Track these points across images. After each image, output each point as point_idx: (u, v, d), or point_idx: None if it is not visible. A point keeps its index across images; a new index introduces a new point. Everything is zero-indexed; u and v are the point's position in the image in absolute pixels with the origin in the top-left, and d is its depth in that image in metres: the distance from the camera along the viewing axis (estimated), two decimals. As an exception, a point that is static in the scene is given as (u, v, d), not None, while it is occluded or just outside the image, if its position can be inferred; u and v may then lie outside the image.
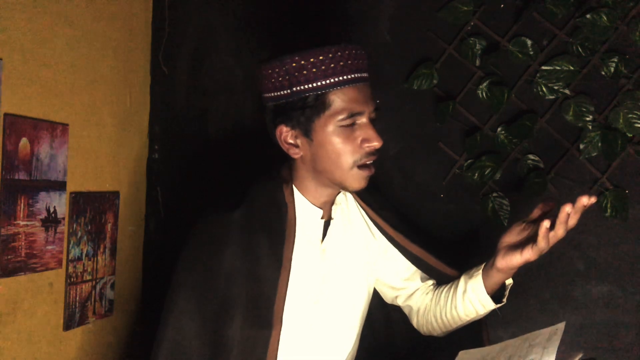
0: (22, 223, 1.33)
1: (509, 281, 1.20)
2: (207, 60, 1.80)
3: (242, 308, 1.16)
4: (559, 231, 1.04)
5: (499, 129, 1.58)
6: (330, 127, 1.14)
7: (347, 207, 1.33)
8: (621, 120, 1.48)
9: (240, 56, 1.77)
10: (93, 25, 1.57)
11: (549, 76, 1.52)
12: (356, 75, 1.15)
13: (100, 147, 1.62)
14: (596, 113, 1.51)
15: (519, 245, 1.12)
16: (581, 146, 1.52)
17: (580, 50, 1.51)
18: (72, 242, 1.50)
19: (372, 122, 1.17)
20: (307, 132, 1.16)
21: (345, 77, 1.13)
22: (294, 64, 1.13)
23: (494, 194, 1.58)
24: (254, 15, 1.77)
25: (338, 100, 1.13)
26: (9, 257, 1.30)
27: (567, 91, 1.52)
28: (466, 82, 1.61)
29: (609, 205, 1.51)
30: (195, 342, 1.16)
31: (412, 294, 1.37)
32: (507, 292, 1.21)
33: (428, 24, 1.63)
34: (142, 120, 1.82)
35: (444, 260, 1.34)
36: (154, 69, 1.84)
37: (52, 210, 1.43)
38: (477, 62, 1.59)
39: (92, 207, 1.58)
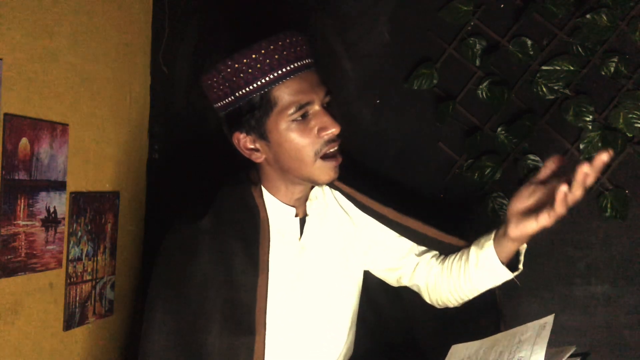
0: (22, 223, 1.33)
1: (523, 246, 1.15)
2: (207, 60, 1.80)
3: (219, 316, 1.13)
4: (577, 192, 0.94)
5: (499, 129, 1.58)
6: (283, 125, 1.10)
7: (324, 201, 1.29)
8: (621, 120, 1.48)
9: (240, 56, 1.77)
10: (93, 25, 1.57)
11: (549, 76, 1.52)
12: (296, 64, 1.10)
13: (100, 147, 1.62)
14: (596, 113, 1.51)
15: (533, 211, 1.03)
16: (581, 146, 1.52)
17: (580, 50, 1.51)
18: (72, 242, 1.50)
19: (327, 107, 1.13)
20: (262, 134, 1.12)
21: (284, 70, 1.08)
22: (228, 70, 1.09)
23: (494, 194, 1.58)
24: (254, 15, 1.77)
25: (283, 95, 1.09)
26: (9, 257, 1.30)
27: (567, 91, 1.52)
28: (466, 82, 1.61)
29: (609, 205, 1.51)
30: (176, 356, 1.14)
31: (414, 272, 1.32)
32: (522, 258, 1.16)
33: (428, 24, 1.63)
34: (142, 120, 1.82)
35: (442, 229, 1.30)
36: (154, 69, 1.84)
37: (52, 210, 1.43)
38: (477, 62, 1.59)
39: (92, 207, 1.58)
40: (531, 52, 1.54)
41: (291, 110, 1.09)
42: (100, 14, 1.60)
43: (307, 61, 1.12)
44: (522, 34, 1.56)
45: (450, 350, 1.12)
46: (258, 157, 1.17)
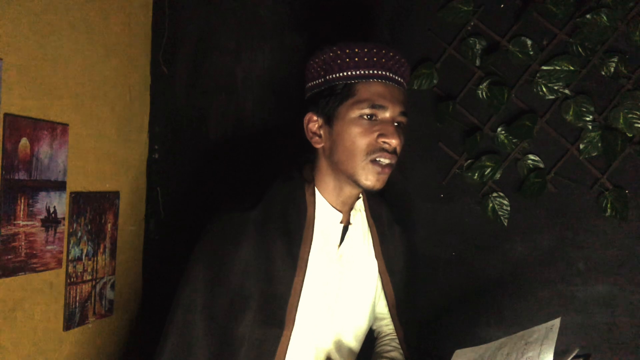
0: (22, 223, 1.33)
1: None
2: (207, 60, 1.80)
3: (254, 306, 1.15)
4: None
5: (499, 129, 1.58)
6: (351, 115, 1.15)
7: (367, 219, 1.33)
8: (621, 120, 1.48)
9: (240, 56, 1.77)
10: (93, 26, 1.57)
11: (549, 76, 1.52)
12: (387, 73, 1.16)
13: (100, 147, 1.62)
14: (596, 113, 1.51)
15: None
16: (581, 146, 1.52)
17: (580, 50, 1.51)
18: (72, 242, 1.50)
19: (399, 127, 1.18)
20: (329, 119, 1.18)
21: (374, 72, 1.16)
22: (330, 54, 1.17)
23: (494, 194, 1.58)
24: (253, 15, 1.77)
25: (363, 90, 1.15)
26: (9, 257, 1.30)
27: (567, 91, 1.52)
28: (466, 82, 1.61)
29: (609, 205, 1.51)
30: (202, 338, 1.15)
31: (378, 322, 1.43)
32: None
33: (428, 24, 1.63)
34: (142, 120, 1.82)
35: (406, 332, 1.35)
36: (154, 69, 1.84)
37: (52, 210, 1.42)
38: (477, 62, 1.59)
39: (92, 207, 1.58)
40: (531, 52, 1.54)
41: (363, 105, 1.15)
42: (100, 14, 1.60)
43: (398, 78, 1.19)
44: (522, 34, 1.56)
45: (454, 355, 1.11)
46: (317, 142, 1.22)
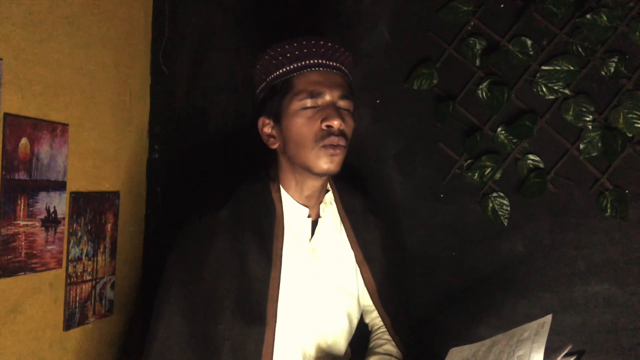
0: (22, 223, 1.33)
1: None
2: (207, 60, 1.80)
3: (231, 304, 1.16)
4: None
5: (499, 129, 1.58)
6: (293, 108, 1.17)
7: (337, 211, 1.33)
8: (621, 120, 1.48)
9: (240, 56, 1.77)
10: (93, 25, 1.57)
11: (549, 76, 1.52)
12: (320, 61, 1.18)
13: (100, 147, 1.62)
14: (596, 113, 1.51)
15: None
16: (581, 146, 1.52)
17: (580, 50, 1.51)
18: (72, 242, 1.50)
19: (343, 110, 1.18)
20: (277, 117, 1.20)
21: (308, 62, 1.17)
22: (266, 57, 1.21)
23: (494, 194, 1.58)
24: (253, 15, 1.77)
25: (299, 82, 1.17)
26: (9, 257, 1.30)
27: (567, 91, 1.52)
28: (466, 82, 1.61)
29: (609, 205, 1.51)
30: (185, 340, 1.16)
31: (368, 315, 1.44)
32: None
33: (428, 24, 1.63)
34: (142, 120, 1.82)
35: (395, 323, 1.34)
36: (154, 69, 1.84)
37: (52, 210, 1.42)
38: (477, 62, 1.59)
39: (92, 207, 1.58)
40: (531, 52, 1.54)
41: (302, 96, 1.16)
42: (100, 14, 1.60)
43: (334, 64, 1.20)
44: (522, 34, 1.56)
45: (449, 353, 1.12)
46: (273, 143, 1.24)
